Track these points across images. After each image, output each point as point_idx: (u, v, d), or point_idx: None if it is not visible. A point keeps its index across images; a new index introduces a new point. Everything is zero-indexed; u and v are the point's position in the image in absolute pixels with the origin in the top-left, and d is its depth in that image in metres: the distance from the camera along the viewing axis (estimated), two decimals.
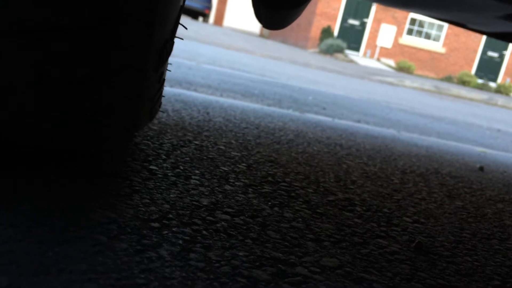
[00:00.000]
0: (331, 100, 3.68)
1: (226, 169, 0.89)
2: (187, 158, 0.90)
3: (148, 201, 0.66)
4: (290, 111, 2.49)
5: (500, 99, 9.77)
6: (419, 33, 14.27)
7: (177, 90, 2.10)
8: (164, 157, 0.88)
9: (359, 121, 2.86)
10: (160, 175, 0.77)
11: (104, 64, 0.60)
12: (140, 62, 0.66)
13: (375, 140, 1.84)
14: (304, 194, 0.85)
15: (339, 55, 12.81)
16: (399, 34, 14.16)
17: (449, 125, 3.72)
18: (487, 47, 14.65)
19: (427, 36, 14.29)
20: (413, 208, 0.91)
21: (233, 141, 1.14)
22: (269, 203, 0.76)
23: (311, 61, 9.48)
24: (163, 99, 1.64)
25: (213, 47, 7.69)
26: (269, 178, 0.89)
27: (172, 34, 0.74)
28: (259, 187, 0.83)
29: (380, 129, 2.50)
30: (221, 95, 2.72)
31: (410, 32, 14.23)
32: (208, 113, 1.55)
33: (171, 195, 0.70)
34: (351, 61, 12.54)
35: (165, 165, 0.83)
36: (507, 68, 14.70)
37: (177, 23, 0.75)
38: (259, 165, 0.96)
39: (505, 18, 1.42)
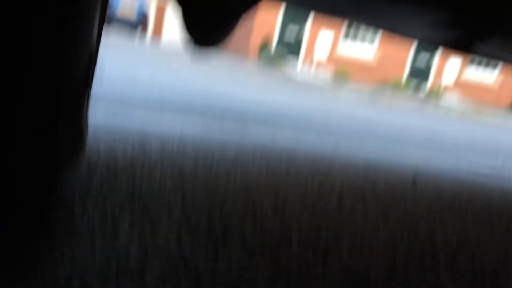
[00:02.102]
0: (272, 116, 3.72)
1: (159, 213, 0.85)
2: (117, 208, 0.86)
3: (69, 260, 0.62)
4: (231, 128, 2.48)
5: (431, 104, 10.35)
6: (353, 44, 14.89)
7: (111, 120, 2.03)
8: (91, 207, 0.83)
9: (299, 137, 2.91)
10: (84, 231, 0.73)
11: (7, 122, 0.55)
12: (49, 115, 0.60)
13: (315, 157, 1.87)
14: (240, 234, 0.84)
15: (279, 66, 13.06)
16: (335, 44, 14.69)
17: (385, 134, 3.88)
18: (417, 54, 15.53)
19: (361, 47, 14.94)
20: (349, 235, 0.92)
21: (168, 178, 1.11)
22: (204, 251, 0.74)
23: (251, 75, 9.58)
24: (95, 134, 1.58)
25: (151, 61, 7.55)
26: (205, 218, 0.87)
27: (87, 78, 0.68)
28: (193, 232, 0.80)
29: (320, 144, 2.56)
30: (160, 115, 2.66)
31: (345, 41, 14.81)
32: (143, 144, 1.50)
33: (96, 254, 0.66)
34: (291, 71, 12.82)
35: (90, 217, 0.79)
36: (436, 73, 15.66)
37: (94, 58, 0.71)
38: (195, 201, 0.94)
39: (433, 24, 1.49)
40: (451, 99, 14.68)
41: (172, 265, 0.66)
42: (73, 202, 0.83)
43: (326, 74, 14.09)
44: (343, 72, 13.61)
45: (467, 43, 1.33)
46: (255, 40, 14.12)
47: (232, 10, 0.75)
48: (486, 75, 15.74)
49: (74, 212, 0.79)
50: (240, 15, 0.80)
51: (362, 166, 1.90)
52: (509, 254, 1.01)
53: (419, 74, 15.42)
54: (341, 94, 9.50)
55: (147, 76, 5.44)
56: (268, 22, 14.14)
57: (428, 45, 1.83)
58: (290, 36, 14.48)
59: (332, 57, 14.61)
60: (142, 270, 0.63)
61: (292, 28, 14.43)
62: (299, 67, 14.41)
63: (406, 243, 0.96)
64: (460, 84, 15.69)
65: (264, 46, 13.76)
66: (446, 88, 15.40)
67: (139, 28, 16.25)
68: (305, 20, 13.87)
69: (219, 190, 1.09)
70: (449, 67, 15.08)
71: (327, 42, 14.44)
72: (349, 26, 1.91)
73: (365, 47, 14.83)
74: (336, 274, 0.74)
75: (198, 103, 3.75)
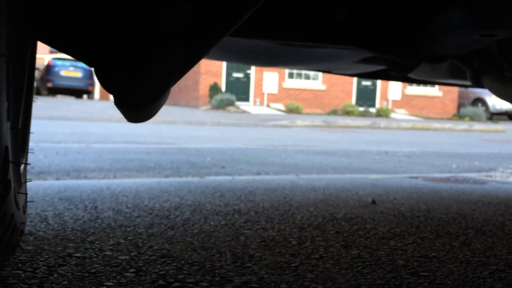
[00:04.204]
0: (229, 157, 3.71)
1: (111, 284, 0.81)
2: (65, 282, 0.81)
3: None
4: (189, 178, 2.45)
5: (382, 122, 10.71)
6: (299, 75, 15.37)
7: (62, 185, 1.95)
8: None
9: (258, 173, 2.91)
10: None
11: None
12: None
13: (274, 193, 1.87)
14: (196, 284, 0.81)
15: (231, 108, 13.20)
16: (281, 79, 15.10)
17: (342, 158, 3.94)
18: (360, 78, 16.17)
19: (307, 77, 15.44)
20: (310, 274, 0.91)
21: (121, 241, 1.07)
22: None
23: (206, 118, 9.62)
24: (43, 202, 1.51)
25: (102, 123, 7.44)
26: (160, 282, 0.83)
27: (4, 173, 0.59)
28: None
29: (280, 178, 2.56)
30: (114, 177, 2.59)
31: (291, 76, 15.27)
32: (96, 208, 1.45)
33: None
34: (243, 111, 12.98)
35: None
36: (381, 93, 16.30)
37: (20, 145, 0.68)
38: (150, 266, 0.91)
39: (361, 61, 1.58)
40: (400, 115, 15.29)
41: None
42: (18, 283, 0.78)
43: (278, 107, 14.38)
44: (294, 103, 13.94)
45: (395, 73, 1.44)
46: (204, 91, 14.31)
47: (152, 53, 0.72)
48: (429, 88, 16.56)
49: None
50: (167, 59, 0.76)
51: (323, 192, 1.91)
52: (470, 271, 1.03)
53: (366, 96, 16.01)
54: (297, 122, 9.68)
55: (99, 137, 5.34)
56: (213, 72, 14.40)
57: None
58: (237, 81, 14.79)
59: (281, 93, 14.97)
60: None
61: (237, 75, 14.79)
62: (251, 104, 14.65)
63: (369, 273, 0.96)
64: (406, 99, 16.40)
65: (214, 92, 13.94)
66: (393, 105, 16.05)
67: (86, 91, 16.09)
68: (248, 67, 14.27)
69: (176, 245, 1.05)
70: (393, 85, 15.78)
71: (274, 81, 14.85)
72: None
73: (309, 82, 15.38)
74: None
75: (156, 153, 3.70)
